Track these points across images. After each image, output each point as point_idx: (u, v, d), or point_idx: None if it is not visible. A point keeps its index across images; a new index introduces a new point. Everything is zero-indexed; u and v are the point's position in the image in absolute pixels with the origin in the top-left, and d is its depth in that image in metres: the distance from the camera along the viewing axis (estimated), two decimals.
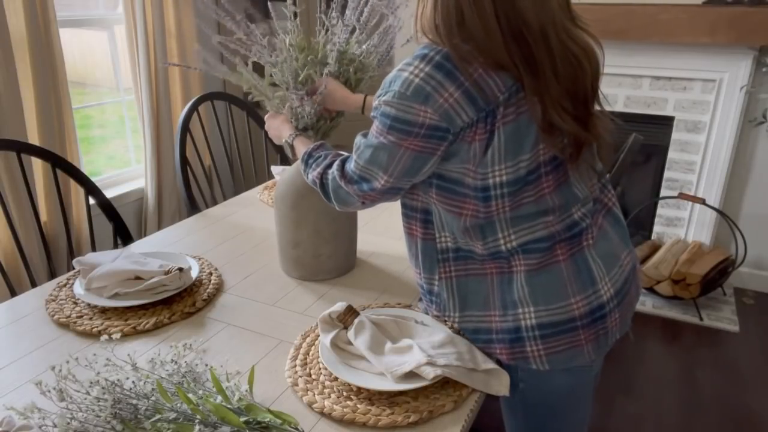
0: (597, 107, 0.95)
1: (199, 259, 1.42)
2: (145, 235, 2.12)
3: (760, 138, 2.69)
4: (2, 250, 2.12)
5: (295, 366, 1.02)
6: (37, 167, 2.23)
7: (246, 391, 0.88)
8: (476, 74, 0.88)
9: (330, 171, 1.07)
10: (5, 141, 1.57)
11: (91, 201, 1.68)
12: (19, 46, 2.11)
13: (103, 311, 1.19)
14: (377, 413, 0.91)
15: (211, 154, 2.35)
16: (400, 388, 0.93)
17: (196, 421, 0.79)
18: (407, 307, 1.18)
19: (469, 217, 0.95)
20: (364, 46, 1.29)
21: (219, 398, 0.84)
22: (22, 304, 1.25)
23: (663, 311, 2.72)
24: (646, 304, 2.76)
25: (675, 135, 2.79)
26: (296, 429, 0.84)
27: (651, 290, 2.72)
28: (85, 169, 2.76)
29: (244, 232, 1.62)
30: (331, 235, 1.31)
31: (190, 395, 0.82)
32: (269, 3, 1.25)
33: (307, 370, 1.01)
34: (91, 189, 1.67)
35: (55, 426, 0.78)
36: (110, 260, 1.29)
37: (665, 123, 2.80)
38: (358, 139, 1.01)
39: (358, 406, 0.92)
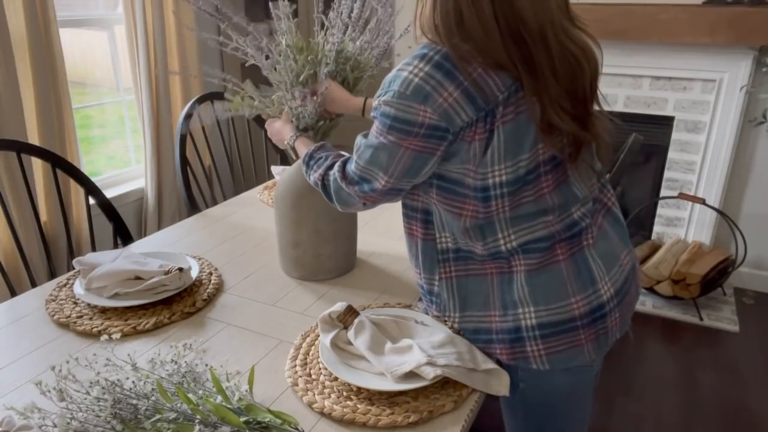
0: (596, 107, 0.96)
1: (199, 259, 1.42)
2: (145, 235, 2.12)
3: (760, 138, 2.69)
4: (2, 250, 2.12)
5: (295, 366, 1.02)
6: (37, 167, 2.23)
7: (246, 391, 0.88)
8: (475, 74, 0.88)
9: (331, 172, 1.07)
10: (5, 141, 1.57)
11: (91, 201, 1.68)
12: (19, 46, 2.10)
13: (103, 311, 1.19)
14: (377, 413, 0.91)
15: (211, 154, 2.35)
16: (400, 388, 0.93)
17: (196, 421, 0.79)
18: (407, 307, 1.18)
19: (469, 218, 0.95)
20: (357, 42, 1.29)
21: (219, 398, 0.84)
22: (22, 304, 1.25)
23: (663, 311, 2.72)
24: (646, 304, 2.77)
25: (675, 135, 2.79)
26: (296, 429, 0.84)
27: (651, 290, 2.72)
28: (85, 169, 2.76)
29: (244, 232, 1.62)
30: (331, 235, 1.31)
31: (190, 395, 0.82)
32: (270, 3, 1.25)
33: (307, 370, 1.01)
34: (91, 189, 1.67)
35: (55, 426, 0.78)
36: (110, 260, 1.29)
37: (665, 123, 2.80)
38: (359, 140, 1.01)
39: (358, 406, 0.92)
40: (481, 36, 0.86)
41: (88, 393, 0.79)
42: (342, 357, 1.00)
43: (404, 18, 1.20)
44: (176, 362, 0.89)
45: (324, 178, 1.09)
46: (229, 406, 0.83)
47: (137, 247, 1.51)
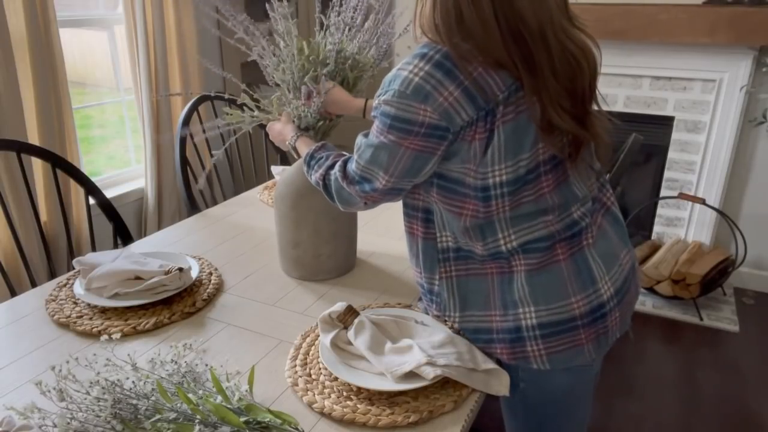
0: (595, 107, 0.96)
1: (199, 259, 1.42)
2: (145, 235, 2.12)
3: (760, 138, 2.69)
4: (2, 250, 2.12)
5: (295, 366, 1.02)
6: (37, 167, 2.22)
7: (246, 391, 0.88)
8: (476, 73, 0.88)
9: (332, 172, 1.07)
10: (5, 141, 1.57)
11: (91, 201, 1.68)
12: (19, 46, 2.10)
13: (103, 311, 1.19)
14: (377, 413, 0.91)
15: (211, 154, 2.35)
16: (400, 388, 0.93)
17: (196, 421, 0.79)
18: (407, 307, 1.18)
19: (469, 217, 0.95)
20: (355, 41, 1.29)
21: (219, 398, 0.84)
22: (22, 304, 1.25)
23: (663, 311, 2.72)
24: (646, 304, 2.76)
25: (675, 135, 2.79)
26: (296, 429, 0.84)
27: (651, 290, 2.72)
28: (85, 169, 2.76)
29: (244, 232, 1.62)
30: (331, 235, 1.31)
31: (190, 395, 0.82)
32: (267, 5, 1.25)
33: (307, 370, 1.01)
34: (91, 189, 1.67)
35: (55, 426, 0.78)
36: (110, 260, 1.29)
37: (665, 123, 2.80)
38: (359, 139, 1.01)
39: (358, 406, 0.92)
40: (481, 35, 0.86)
41: (88, 393, 0.79)
42: (342, 357, 1.00)
43: (404, 18, 1.20)
44: (176, 362, 0.89)
45: (325, 177, 1.09)
46: (229, 406, 0.83)
47: (137, 247, 1.51)
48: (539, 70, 0.87)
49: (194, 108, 2.09)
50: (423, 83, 0.88)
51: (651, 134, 2.78)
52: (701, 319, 2.64)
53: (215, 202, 1.98)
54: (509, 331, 0.97)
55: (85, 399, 0.80)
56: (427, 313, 1.10)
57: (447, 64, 0.88)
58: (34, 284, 1.46)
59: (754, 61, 2.52)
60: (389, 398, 0.94)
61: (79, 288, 1.25)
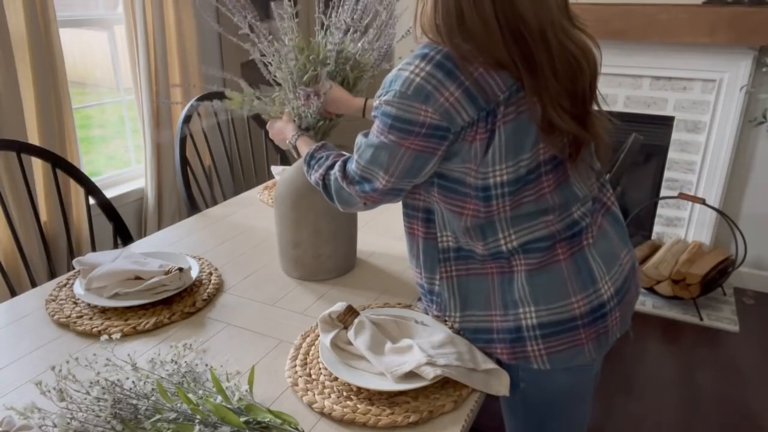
0: (595, 107, 0.96)
1: (199, 259, 1.42)
2: (145, 235, 2.12)
3: (760, 138, 2.69)
4: (2, 250, 2.12)
5: (295, 366, 1.02)
6: (37, 167, 2.22)
7: (246, 391, 0.88)
8: (477, 73, 0.88)
9: (332, 172, 1.07)
10: (5, 141, 1.57)
11: (91, 201, 1.68)
12: (19, 46, 2.10)
13: (103, 311, 1.19)
14: (377, 413, 0.91)
15: (211, 154, 2.35)
16: (400, 388, 0.93)
17: (196, 421, 0.79)
18: (407, 307, 1.18)
19: (470, 217, 0.95)
20: (359, 44, 1.29)
21: (219, 398, 0.84)
22: (22, 304, 1.25)
23: (663, 311, 2.72)
24: (646, 304, 2.77)
25: (675, 135, 2.79)
26: (296, 429, 0.84)
27: (651, 290, 2.72)
28: (85, 169, 2.76)
29: (244, 232, 1.62)
30: (331, 235, 1.31)
31: (190, 395, 0.82)
32: (272, 3, 1.25)
33: (307, 370, 1.01)
34: (91, 189, 1.67)
35: (55, 426, 0.78)
36: (110, 260, 1.29)
37: (665, 123, 2.80)
38: (359, 139, 1.01)
39: (358, 406, 0.92)
40: (482, 35, 0.86)
41: (88, 393, 0.79)
42: (342, 357, 1.00)
43: (405, 20, 1.20)
44: (176, 362, 0.89)
45: (325, 177, 1.09)
46: (229, 406, 0.83)
47: (137, 247, 1.51)
48: (540, 71, 0.87)
49: (194, 108, 2.09)
50: (424, 84, 0.88)
51: (651, 134, 2.78)
52: (701, 319, 2.64)
53: (215, 202, 1.98)
54: (509, 331, 0.97)
55: (85, 399, 0.80)
56: (427, 313, 1.10)
57: (448, 65, 0.88)
58: (34, 284, 1.46)
59: (754, 61, 2.52)
60: (389, 398, 0.94)
61: (79, 288, 1.25)
